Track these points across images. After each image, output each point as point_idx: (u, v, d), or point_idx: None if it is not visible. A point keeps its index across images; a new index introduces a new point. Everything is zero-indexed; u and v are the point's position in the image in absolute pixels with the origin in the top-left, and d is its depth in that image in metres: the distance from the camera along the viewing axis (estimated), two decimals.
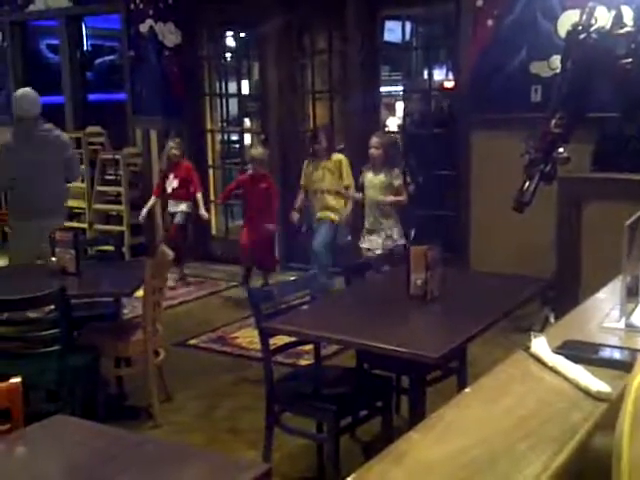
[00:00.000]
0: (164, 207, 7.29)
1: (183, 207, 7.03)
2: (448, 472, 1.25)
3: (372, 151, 5.71)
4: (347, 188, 6.05)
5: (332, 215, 6.14)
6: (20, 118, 5.42)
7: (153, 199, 7.17)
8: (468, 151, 6.25)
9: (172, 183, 7.01)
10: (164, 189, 7.08)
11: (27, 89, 5.60)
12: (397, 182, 5.70)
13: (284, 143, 7.39)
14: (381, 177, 5.69)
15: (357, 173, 5.97)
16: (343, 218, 6.10)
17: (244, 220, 6.75)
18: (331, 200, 6.15)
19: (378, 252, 5.60)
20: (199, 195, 7.00)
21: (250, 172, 6.58)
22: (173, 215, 7.08)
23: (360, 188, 5.86)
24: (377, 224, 5.71)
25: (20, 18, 9.12)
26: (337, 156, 6.20)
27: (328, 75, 7.48)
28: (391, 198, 5.67)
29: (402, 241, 5.68)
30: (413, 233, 5.63)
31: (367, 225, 5.77)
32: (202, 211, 6.99)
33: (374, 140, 5.71)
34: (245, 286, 6.42)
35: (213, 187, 8.08)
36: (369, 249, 5.68)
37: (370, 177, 5.76)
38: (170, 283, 6.18)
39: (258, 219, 6.41)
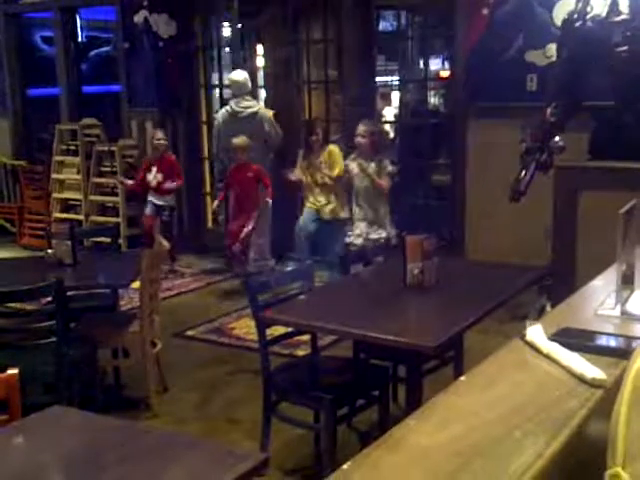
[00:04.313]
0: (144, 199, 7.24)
1: (168, 201, 7.06)
2: (444, 459, 1.25)
3: (359, 140, 5.71)
4: (337, 177, 5.98)
5: (339, 214, 6.09)
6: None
7: (132, 184, 7.21)
8: (464, 140, 6.25)
9: (157, 176, 6.98)
10: (144, 180, 7.05)
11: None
12: (386, 170, 5.70)
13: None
14: (372, 166, 5.68)
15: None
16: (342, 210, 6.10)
17: (232, 211, 6.61)
18: (330, 193, 6.09)
19: (368, 241, 5.61)
20: (174, 185, 7.01)
21: (234, 163, 6.50)
22: (158, 207, 7.07)
23: (348, 177, 5.86)
24: (367, 214, 5.71)
25: (14, 10, 9.09)
26: (330, 147, 6.17)
27: (324, 65, 7.46)
28: (376, 178, 5.64)
29: (394, 231, 5.70)
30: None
31: (357, 215, 5.77)
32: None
33: (361, 128, 5.70)
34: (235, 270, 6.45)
35: (209, 179, 8.06)
36: (359, 235, 5.68)
37: (359, 166, 5.73)
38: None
39: (247, 209, 6.38)
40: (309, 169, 6.14)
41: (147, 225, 7.10)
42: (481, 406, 1.48)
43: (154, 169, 7.00)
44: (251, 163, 6.39)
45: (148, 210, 7.12)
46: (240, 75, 6.78)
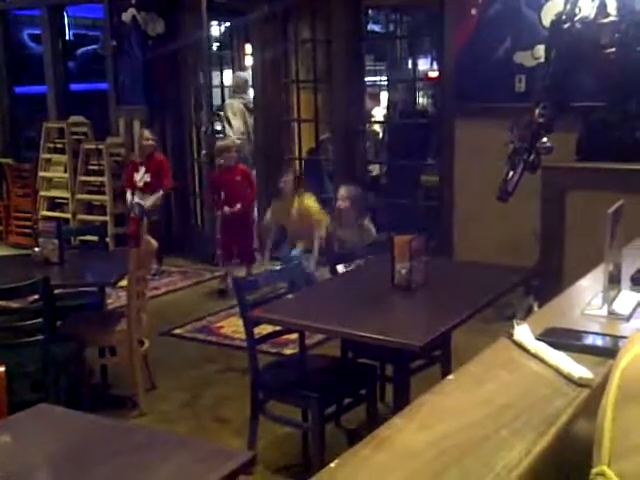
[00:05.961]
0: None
1: (156, 202, 6.97)
2: (430, 457, 1.26)
3: (340, 204, 5.53)
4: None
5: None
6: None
7: (129, 193, 7.05)
8: (452, 140, 6.26)
9: (144, 177, 6.89)
10: (132, 180, 6.97)
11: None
12: (370, 234, 5.58)
13: (268, 133, 7.36)
14: (351, 233, 5.50)
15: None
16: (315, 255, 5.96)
17: (222, 218, 6.50)
18: (302, 243, 5.99)
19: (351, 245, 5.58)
20: (161, 192, 6.91)
21: (218, 168, 6.41)
22: (143, 208, 6.97)
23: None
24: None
25: (1, 7, 9.03)
26: (305, 202, 5.98)
27: (312, 65, 7.47)
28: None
29: (373, 232, 5.68)
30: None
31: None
32: (147, 202, 6.88)
33: (342, 193, 5.50)
34: (226, 283, 6.40)
35: (198, 179, 8.03)
36: (344, 241, 5.65)
37: (338, 232, 5.55)
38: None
39: (238, 214, 6.31)
40: (282, 213, 6.04)
41: (133, 228, 7.01)
42: (468, 405, 1.48)
43: (142, 169, 6.93)
44: (239, 164, 6.35)
45: (133, 213, 7.05)
46: (245, 76, 7.37)
